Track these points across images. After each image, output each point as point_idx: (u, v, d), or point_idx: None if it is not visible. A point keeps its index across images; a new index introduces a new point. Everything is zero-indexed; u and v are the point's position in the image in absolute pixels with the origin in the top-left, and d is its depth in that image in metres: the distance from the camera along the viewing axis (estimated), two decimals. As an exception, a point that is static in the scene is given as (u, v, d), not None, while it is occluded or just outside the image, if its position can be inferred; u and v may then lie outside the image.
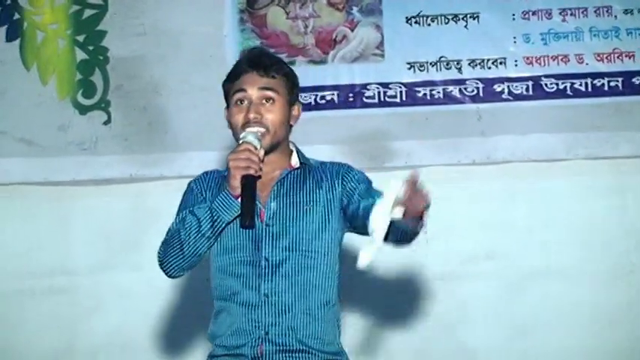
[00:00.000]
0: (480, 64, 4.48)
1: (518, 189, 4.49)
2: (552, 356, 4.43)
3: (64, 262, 4.62)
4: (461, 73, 4.48)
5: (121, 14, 4.60)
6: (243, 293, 2.54)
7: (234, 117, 2.58)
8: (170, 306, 4.56)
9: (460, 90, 4.48)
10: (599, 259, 4.45)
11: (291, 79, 2.65)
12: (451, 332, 4.47)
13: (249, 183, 2.45)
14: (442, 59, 4.49)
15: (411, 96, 4.49)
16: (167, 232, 2.58)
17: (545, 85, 4.45)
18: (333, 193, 2.61)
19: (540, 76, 4.45)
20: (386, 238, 2.28)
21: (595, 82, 4.43)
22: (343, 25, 4.55)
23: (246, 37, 4.54)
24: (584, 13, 4.45)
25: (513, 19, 4.47)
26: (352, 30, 4.54)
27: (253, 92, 2.57)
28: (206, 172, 2.71)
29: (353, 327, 4.33)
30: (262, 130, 2.54)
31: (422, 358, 4.49)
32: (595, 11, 4.45)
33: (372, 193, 2.53)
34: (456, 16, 4.50)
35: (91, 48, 4.61)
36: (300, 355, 2.53)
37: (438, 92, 4.49)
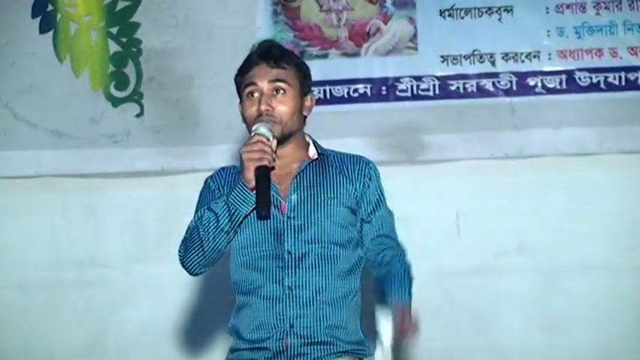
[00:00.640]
0: (513, 57, 4.46)
1: (550, 182, 4.48)
2: (584, 351, 4.42)
3: (95, 255, 4.64)
4: (494, 67, 4.45)
5: (153, 6, 4.59)
6: (266, 287, 2.54)
7: (246, 110, 2.58)
8: (200, 298, 4.56)
9: (493, 83, 4.47)
10: (632, 253, 4.44)
11: (302, 70, 2.63)
12: (483, 326, 4.47)
13: (263, 174, 2.44)
14: (475, 52, 4.47)
15: (444, 89, 4.48)
16: (186, 231, 2.58)
17: (579, 78, 4.43)
18: (352, 190, 2.60)
19: (574, 70, 4.43)
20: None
21: (629, 75, 4.40)
22: (376, 18, 4.53)
23: (279, 29, 4.51)
24: (618, 6, 4.42)
25: (547, 12, 4.45)
26: (385, 23, 4.51)
27: (264, 84, 2.56)
28: (222, 168, 2.70)
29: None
30: (274, 121, 2.53)
31: (453, 353, 4.49)
32: (629, 5, 4.42)
33: (380, 239, 2.61)
34: (489, 9, 4.47)
35: (124, 40, 4.60)
36: (326, 347, 2.53)
37: (471, 86, 4.47)
